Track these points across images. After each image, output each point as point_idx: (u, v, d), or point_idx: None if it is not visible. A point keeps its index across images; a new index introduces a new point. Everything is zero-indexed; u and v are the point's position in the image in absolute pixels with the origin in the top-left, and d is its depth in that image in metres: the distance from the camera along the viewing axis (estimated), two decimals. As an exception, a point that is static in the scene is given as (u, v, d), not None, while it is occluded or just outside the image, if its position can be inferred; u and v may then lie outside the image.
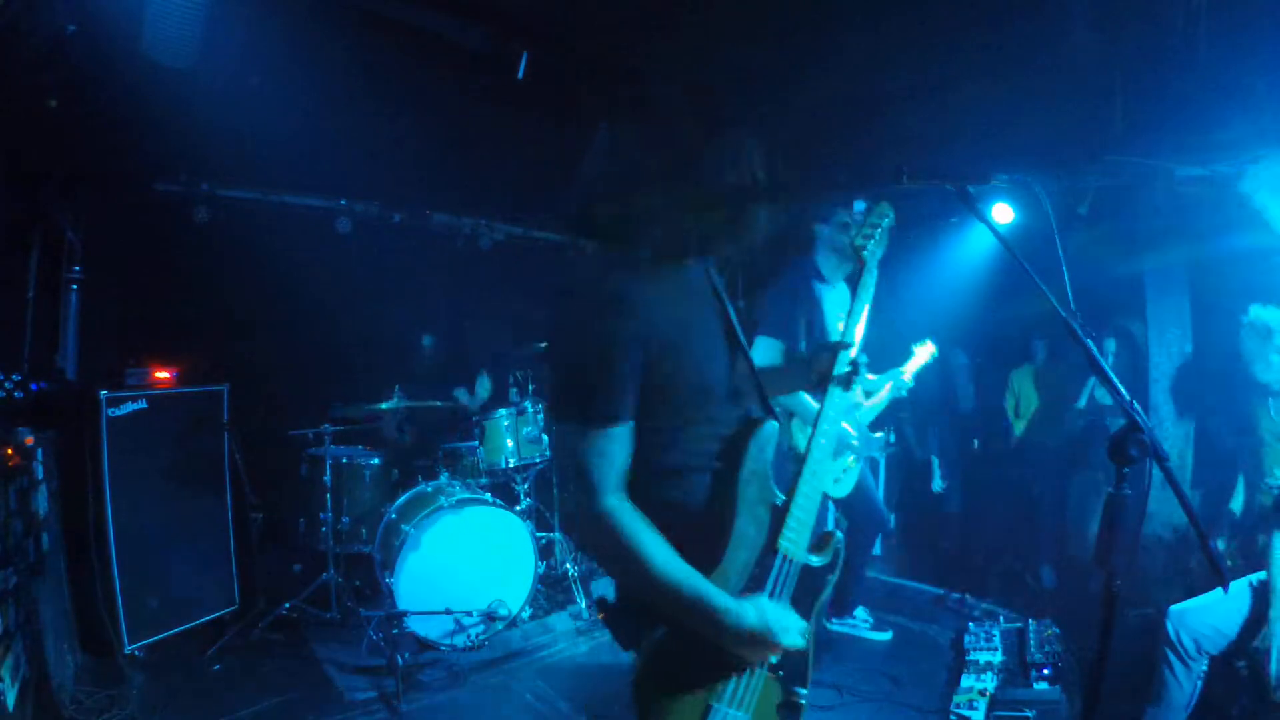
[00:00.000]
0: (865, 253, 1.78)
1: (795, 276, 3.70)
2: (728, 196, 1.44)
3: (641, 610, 1.41)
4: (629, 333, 1.31)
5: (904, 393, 3.73)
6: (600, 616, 1.53)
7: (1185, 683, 2.60)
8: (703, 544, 1.40)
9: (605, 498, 1.32)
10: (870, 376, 3.54)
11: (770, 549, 1.46)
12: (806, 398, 3.37)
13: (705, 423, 1.45)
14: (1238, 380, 3.17)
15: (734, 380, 1.51)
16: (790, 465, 1.60)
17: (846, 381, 1.67)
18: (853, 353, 1.70)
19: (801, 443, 3.51)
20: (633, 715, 1.44)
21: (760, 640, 1.36)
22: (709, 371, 1.45)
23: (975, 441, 5.04)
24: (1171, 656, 2.62)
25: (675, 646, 1.40)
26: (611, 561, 1.38)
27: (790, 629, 1.40)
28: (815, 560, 1.53)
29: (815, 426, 1.58)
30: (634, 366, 1.32)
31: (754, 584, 1.44)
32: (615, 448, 1.33)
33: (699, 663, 1.40)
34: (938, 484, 5.16)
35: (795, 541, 1.48)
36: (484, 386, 5.27)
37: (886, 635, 3.92)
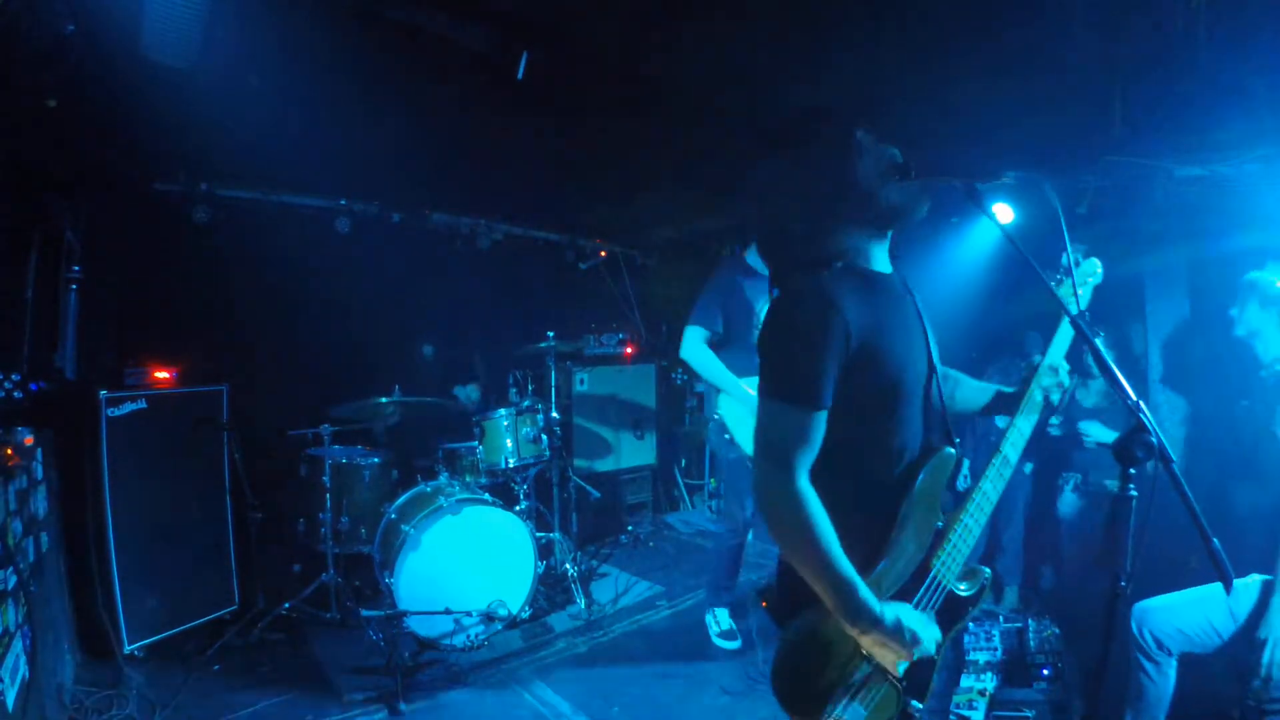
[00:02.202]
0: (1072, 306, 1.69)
1: (725, 270, 4.00)
2: (874, 187, 1.56)
3: (798, 593, 1.52)
4: (828, 335, 1.44)
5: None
6: (762, 603, 1.67)
7: (1158, 679, 2.58)
8: (864, 547, 1.52)
9: (800, 478, 1.46)
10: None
11: (925, 568, 1.57)
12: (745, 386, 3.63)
13: (894, 435, 1.57)
14: (1237, 379, 3.17)
15: (927, 392, 1.63)
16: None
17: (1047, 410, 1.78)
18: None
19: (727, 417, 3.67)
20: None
21: (892, 640, 1.47)
22: (902, 376, 1.55)
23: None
24: (1139, 656, 2.61)
25: (821, 631, 1.52)
26: (789, 536, 1.48)
27: (923, 639, 1.50)
28: (963, 588, 1.63)
29: (990, 465, 1.65)
30: (832, 365, 1.45)
31: (902, 595, 1.55)
32: (813, 431, 1.47)
33: (837, 651, 1.52)
34: (962, 483, 5.15)
35: (949, 567, 1.59)
36: (471, 393, 5.28)
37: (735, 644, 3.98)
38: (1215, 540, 1.20)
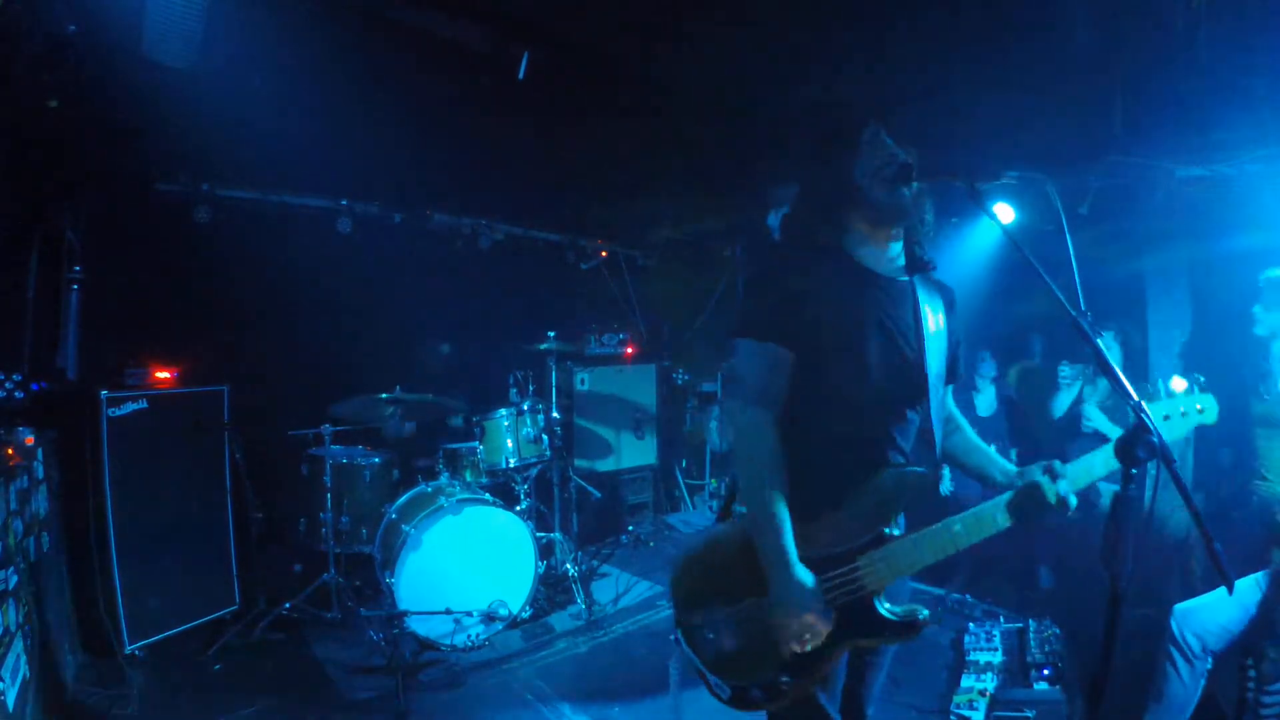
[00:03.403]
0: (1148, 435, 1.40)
1: None
2: (869, 184, 1.62)
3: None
4: (796, 292, 1.58)
5: None
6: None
7: (1189, 682, 2.60)
8: (810, 496, 1.57)
9: (758, 406, 1.58)
10: None
11: (847, 557, 1.55)
12: None
13: (864, 422, 1.62)
14: (1238, 379, 3.16)
15: (915, 401, 1.65)
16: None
17: (1016, 510, 1.57)
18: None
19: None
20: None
21: (796, 602, 1.49)
22: (878, 372, 1.58)
23: (993, 446, 5.00)
24: (1176, 656, 2.61)
25: (735, 545, 1.62)
26: (741, 458, 1.61)
27: (820, 621, 1.50)
28: (883, 606, 1.55)
29: (968, 519, 1.55)
30: (791, 313, 1.57)
31: (812, 566, 1.54)
32: (778, 366, 1.58)
33: (733, 574, 1.62)
34: (946, 487, 5.15)
35: (877, 572, 1.53)
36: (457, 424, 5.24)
37: None
38: (1217, 542, 1.20)
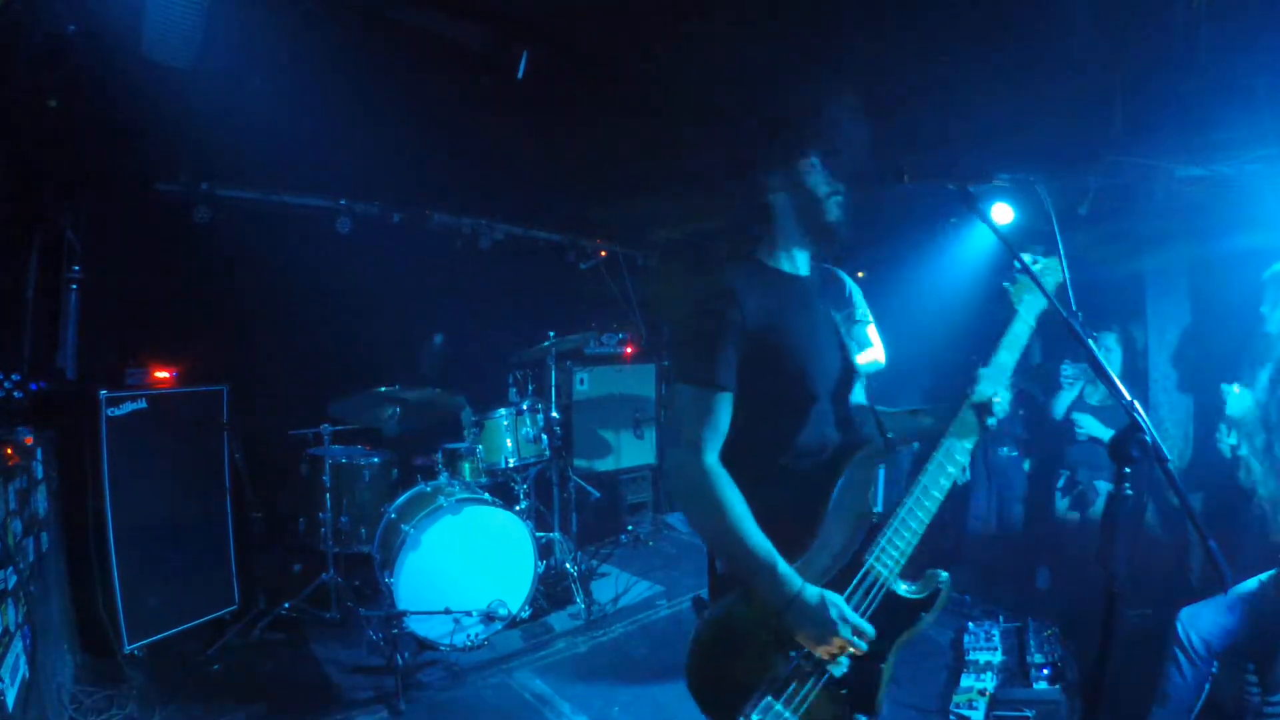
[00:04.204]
0: (1022, 303, 1.74)
1: None
2: (808, 207, 1.63)
3: (718, 584, 1.54)
4: (729, 320, 1.52)
5: None
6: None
7: (1193, 683, 2.60)
8: (790, 538, 1.49)
9: (707, 455, 1.50)
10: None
11: (856, 563, 1.51)
12: None
13: (810, 424, 1.58)
14: (1237, 378, 3.16)
15: (839, 390, 1.64)
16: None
17: (977, 427, 1.62)
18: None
19: None
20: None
21: (820, 621, 1.40)
22: (809, 370, 1.59)
23: (1004, 448, 5.01)
24: (1181, 657, 2.61)
25: (738, 614, 1.47)
26: (703, 514, 1.50)
27: (852, 625, 1.41)
28: (904, 589, 1.53)
29: (936, 467, 1.57)
30: (731, 348, 1.52)
31: (832, 589, 1.47)
32: (715, 411, 1.51)
33: (755, 638, 1.45)
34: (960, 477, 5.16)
35: (885, 564, 1.51)
36: (467, 418, 5.25)
37: None
38: (1212, 541, 1.20)
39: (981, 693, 3.20)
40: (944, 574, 1.56)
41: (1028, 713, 3.03)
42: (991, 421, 1.61)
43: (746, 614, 1.46)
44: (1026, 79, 3.68)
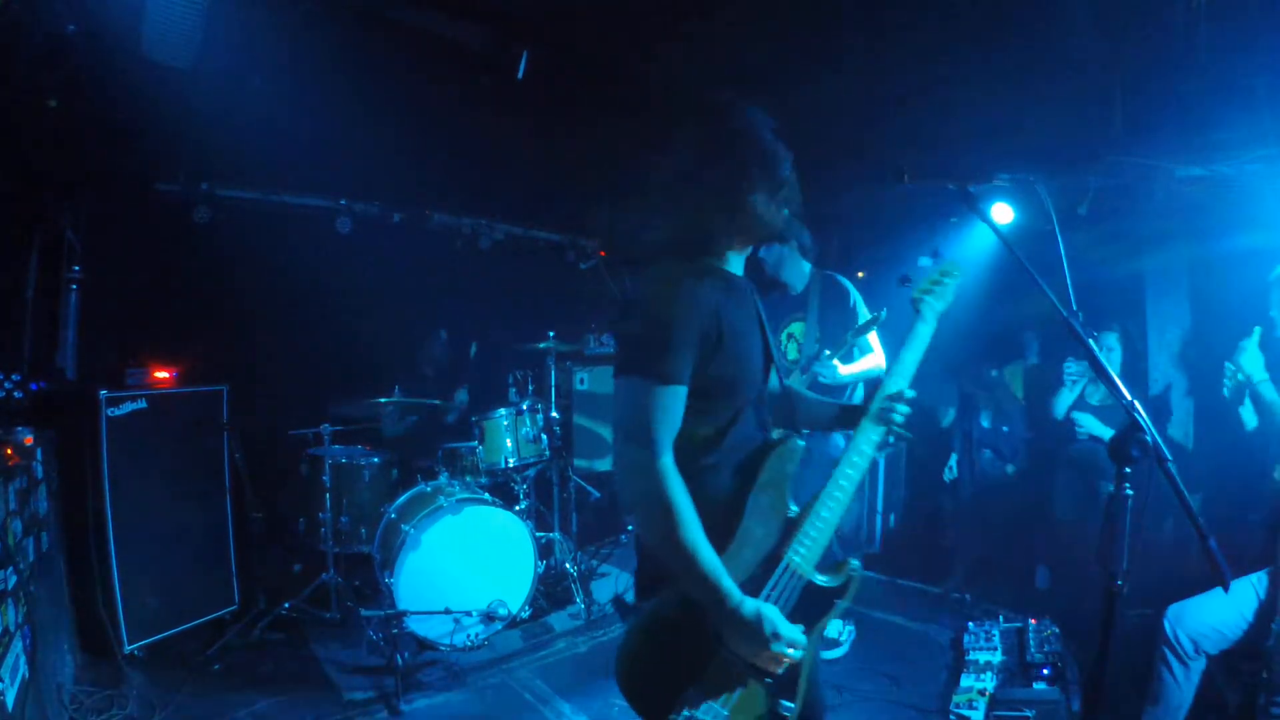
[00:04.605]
0: (923, 305, 1.83)
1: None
2: (762, 211, 1.61)
3: (654, 579, 1.53)
4: (691, 317, 1.50)
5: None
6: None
7: (1184, 682, 2.59)
8: (713, 534, 1.48)
9: (664, 455, 1.46)
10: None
11: (775, 557, 1.54)
12: None
13: (738, 422, 1.60)
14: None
15: (763, 389, 1.68)
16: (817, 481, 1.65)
17: (883, 420, 1.70)
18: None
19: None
20: (618, 695, 1.51)
21: (755, 637, 1.44)
22: (746, 370, 1.61)
23: (987, 452, 5.03)
24: (1170, 656, 2.61)
25: (673, 616, 1.50)
26: (650, 513, 1.48)
27: (787, 638, 1.46)
28: (822, 580, 1.58)
29: (845, 458, 1.63)
30: (691, 345, 1.50)
31: (751, 585, 1.51)
32: (674, 408, 1.48)
33: (690, 640, 1.49)
34: (949, 473, 5.17)
35: (804, 557, 1.55)
36: (461, 396, 5.28)
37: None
38: (1212, 540, 1.20)
39: (981, 693, 3.20)
40: (855, 562, 1.62)
41: (1028, 713, 3.03)
42: (898, 417, 1.69)
43: (680, 614, 1.49)
44: (1026, 79, 3.68)
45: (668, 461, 1.46)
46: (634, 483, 1.48)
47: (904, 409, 1.69)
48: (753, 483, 1.56)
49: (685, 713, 1.47)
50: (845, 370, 3.59)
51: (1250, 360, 2.87)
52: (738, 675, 1.49)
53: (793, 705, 1.55)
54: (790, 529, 1.56)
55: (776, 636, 1.45)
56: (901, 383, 1.72)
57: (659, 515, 1.45)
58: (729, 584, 1.44)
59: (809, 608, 1.56)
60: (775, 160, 1.63)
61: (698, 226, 1.64)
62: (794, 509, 1.58)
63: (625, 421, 1.50)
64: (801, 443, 1.60)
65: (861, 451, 1.64)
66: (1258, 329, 2.93)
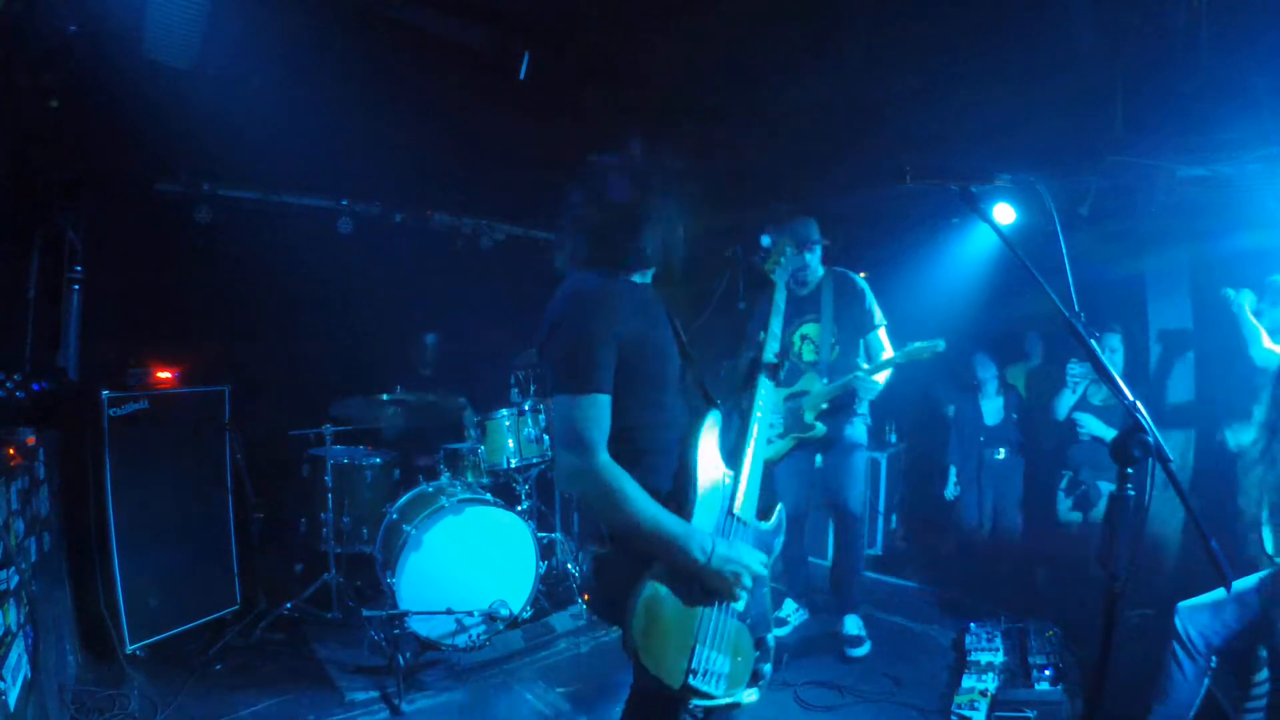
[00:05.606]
0: (774, 275, 2.32)
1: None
2: (630, 219, 1.83)
3: (627, 572, 1.70)
4: (608, 328, 1.69)
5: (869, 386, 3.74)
6: (584, 598, 1.87)
7: (1193, 679, 2.60)
8: (675, 505, 1.73)
9: (600, 454, 1.65)
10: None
11: (729, 513, 1.81)
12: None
13: (665, 411, 1.79)
14: (1237, 378, 3.16)
15: (684, 378, 1.88)
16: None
17: (773, 373, 2.05)
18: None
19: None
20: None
21: (731, 565, 1.69)
22: (666, 367, 1.81)
23: (1001, 451, 5.02)
24: (1180, 653, 2.61)
25: (661, 596, 1.68)
26: (606, 506, 1.67)
27: (748, 561, 1.73)
28: (765, 525, 1.90)
29: (750, 413, 1.94)
30: (611, 353, 1.68)
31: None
32: (602, 413, 1.67)
33: (679, 607, 1.70)
34: (951, 491, 5.16)
35: (746, 508, 1.84)
36: (469, 419, 5.22)
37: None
38: (1213, 541, 1.20)
39: (983, 693, 3.20)
40: (780, 504, 1.96)
41: (1029, 713, 3.03)
42: (781, 375, 2.09)
43: (666, 588, 1.68)
44: (1027, 79, 3.68)
45: (604, 458, 1.64)
46: (583, 484, 1.67)
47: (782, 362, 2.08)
48: (694, 455, 1.76)
49: (701, 666, 1.68)
50: (879, 377, 3.75)
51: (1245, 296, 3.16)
52: (720, 616, 1.73)
53: (772, 635, 1.87)
54: (734, 487, 1.82)
55: (749, 562, 1.72)
56: (774, 346, 2.08)
57: (615, 504, 1.64)
58: (699, 533, 1.68)
59: (757, 548, 1.85)
60: (667, 198, 1.86)
61: (607, 244, 1.84)
62: (729, 467, 1.83)
63: (562, 433, 1.67)
64: (718, 411, 1.85)
65: (766, 409, 1.97)
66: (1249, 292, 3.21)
